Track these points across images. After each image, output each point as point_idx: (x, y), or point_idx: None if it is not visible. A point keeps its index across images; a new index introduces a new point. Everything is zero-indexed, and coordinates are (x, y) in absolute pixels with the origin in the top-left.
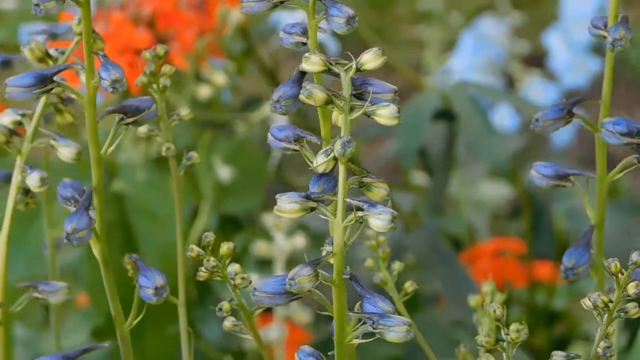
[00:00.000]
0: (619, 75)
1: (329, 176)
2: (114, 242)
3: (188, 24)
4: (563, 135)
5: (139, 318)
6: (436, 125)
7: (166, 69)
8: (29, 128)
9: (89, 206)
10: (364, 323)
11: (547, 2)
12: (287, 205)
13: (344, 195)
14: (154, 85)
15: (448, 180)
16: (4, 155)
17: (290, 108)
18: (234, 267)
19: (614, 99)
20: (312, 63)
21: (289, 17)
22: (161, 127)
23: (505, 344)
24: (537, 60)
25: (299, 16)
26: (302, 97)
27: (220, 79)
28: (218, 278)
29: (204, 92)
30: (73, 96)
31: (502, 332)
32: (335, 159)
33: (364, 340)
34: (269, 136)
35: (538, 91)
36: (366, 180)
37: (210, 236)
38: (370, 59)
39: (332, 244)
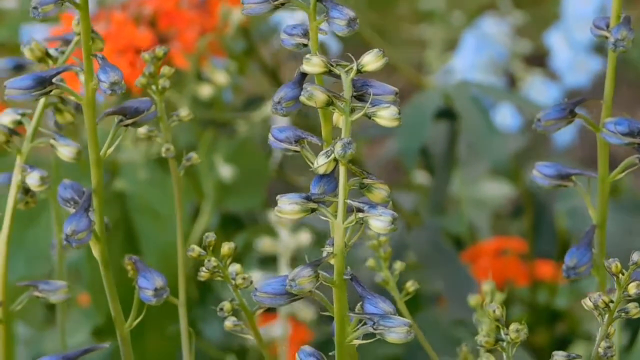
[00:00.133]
0: (621, 75)
1: (330, 177)
2: (116, 241)
3: (189, 24)
4: (565, 135)
5: (139, 319)
6: (438, 125)
7: (165, 70)
8: (29, 128)
9: (89, 208)
10: (365, 324)
11: (549, 1)
12: (288, 206)
13: (344, 196)
14: (153, 87)
15: (449, 180)
16: (4, 154)
17: (291, 109)
18: (235, 267)
19: (615, 99)
20: (313, 64)
21: (289, 18)
22: (161, 128)
23: (505, 343)
24: (538, 59)
25: (299, 16)
26: (303, 98)
27: (221, 78)
28: (219, 278)
29: (205, 91)
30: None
31: (502, 332)
32: (335, 160)
33: (364, 341)
34: (270, 137)
35: (540, 91)
36: (367, 181)
37: (211, 236)
38: (371, 61)
39: (333, 244)
